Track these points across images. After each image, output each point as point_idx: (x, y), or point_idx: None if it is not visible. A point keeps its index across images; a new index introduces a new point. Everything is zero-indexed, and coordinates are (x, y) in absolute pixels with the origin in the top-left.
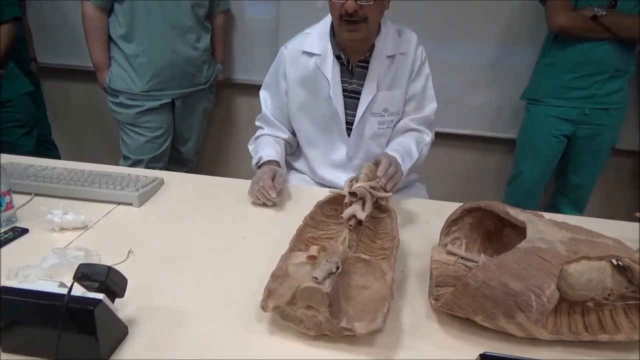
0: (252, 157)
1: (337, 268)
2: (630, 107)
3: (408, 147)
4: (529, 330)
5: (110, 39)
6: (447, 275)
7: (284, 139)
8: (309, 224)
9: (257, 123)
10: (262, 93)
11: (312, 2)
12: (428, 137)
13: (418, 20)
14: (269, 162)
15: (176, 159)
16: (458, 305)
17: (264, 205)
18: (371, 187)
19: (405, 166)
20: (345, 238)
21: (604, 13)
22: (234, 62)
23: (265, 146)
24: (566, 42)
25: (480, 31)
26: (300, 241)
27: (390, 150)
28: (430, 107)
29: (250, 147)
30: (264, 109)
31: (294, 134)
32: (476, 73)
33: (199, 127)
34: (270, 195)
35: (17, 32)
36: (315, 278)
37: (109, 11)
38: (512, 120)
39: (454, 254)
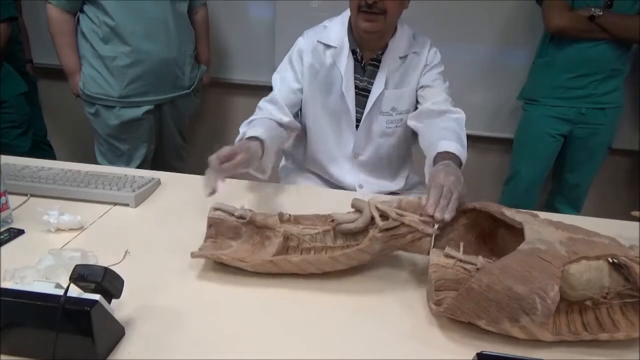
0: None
1: (240, 216)
2: (626, 106)
3: (457, 131)
4: (533, 332)
5: (79, 36)
6: (447, 279)
7: (283, 123)
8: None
9: (260, 103)
10: (275, 76)
11: (308, 2)
12: (462, 114)
13: (415, 20)
14: (250, 138)
15: (157, 165)
16: (461, 310)
17: (261, 203)
18: (379, 209)
19: (465, 152)
20: (319, 233)
21: (601, 13)
22: (230, 62)
23: (256, 125)
24: (563, 42)
25: (477, 31)
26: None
27: (443, 139)
28: (444, 87)
29: (241, 130)
30: (275, 90)
31: (297, 118)
32: (473, 73)
33: (181, 133)
34: (207, 183)
35: (12, 33)
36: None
37: (77, 10)
38: (509, 120)
39: (452, 257)
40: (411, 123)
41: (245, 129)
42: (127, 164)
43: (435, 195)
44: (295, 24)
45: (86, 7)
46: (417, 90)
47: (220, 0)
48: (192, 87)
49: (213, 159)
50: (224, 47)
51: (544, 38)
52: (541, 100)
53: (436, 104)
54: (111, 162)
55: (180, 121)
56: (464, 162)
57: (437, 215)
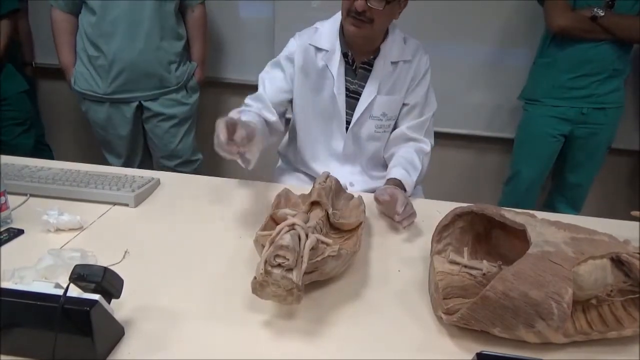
0: None
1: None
2: (626, 106)
3: (411, 159)
4: (547, 336)
5: (77, 35)
6: (454, 285)
7: (269, 121)
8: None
9: (246, 100)
10: (262, 75)
11: (308, 2)
12: (427, 146)
13: (416, 20)
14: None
15: (158, 168)
16: (475, 319)
17: (260, 203)
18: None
19: (413, 179)
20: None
21: (603, 14)
22: (230, 62)
23: (247, 113)
24: (564, 42)
25: (477, 31)
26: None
27: (394, 167)
28: (429, 110)
29: (231, 115)
30: (260, 89)
31: (281, 119)
32: (474, 73)
33: (176, 133)
34: (231, 150)
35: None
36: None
37: (79, 11)
38: (509, 119)
39: (457, 263)
40: (386, 154)
41: (237, 115)
42: (129, 161)
43: (402, 201)
44: (295, 24)
45: (83, 8)
46: (404, 103)
47: (220, 0)
48: (179, 84)
49: (222, 142)
50: (223, 47)
51: (545, 38)
52: (542, 100)
53: (410, 129)
54: (116, 158)
55: (172, 120)
56: (408, 190)
57: (398, 218)
